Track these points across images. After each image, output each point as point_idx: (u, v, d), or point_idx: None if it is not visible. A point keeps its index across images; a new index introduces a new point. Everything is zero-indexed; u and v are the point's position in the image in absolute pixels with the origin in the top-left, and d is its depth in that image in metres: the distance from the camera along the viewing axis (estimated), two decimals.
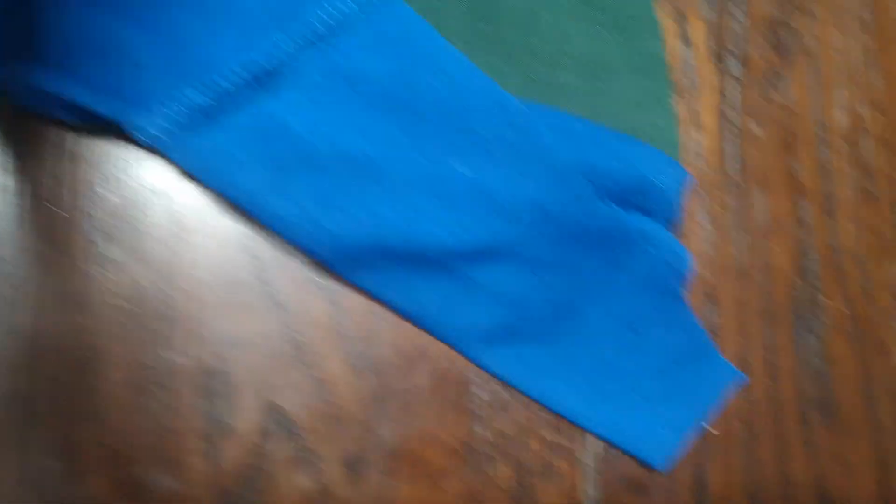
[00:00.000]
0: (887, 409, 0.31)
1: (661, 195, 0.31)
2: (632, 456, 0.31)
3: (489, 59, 0.31)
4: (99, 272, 0.28)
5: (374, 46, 0.27)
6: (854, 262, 0.33)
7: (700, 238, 0.32)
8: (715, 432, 0.31)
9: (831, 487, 0.31)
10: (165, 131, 0.26)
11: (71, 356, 0.28)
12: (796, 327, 0.32)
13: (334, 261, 0.29)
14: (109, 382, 0.29)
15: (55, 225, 0.28)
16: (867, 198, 0.34)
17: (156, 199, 0.30)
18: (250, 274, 0.30)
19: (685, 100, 0.33)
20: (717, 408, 0.31)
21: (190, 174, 0.29)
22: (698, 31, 0.33)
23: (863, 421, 0.31)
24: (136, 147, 0.29)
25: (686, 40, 0.33)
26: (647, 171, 0.30)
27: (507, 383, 0.31)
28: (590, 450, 0.31)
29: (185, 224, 0.30)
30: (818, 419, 0.31)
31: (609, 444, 0.30)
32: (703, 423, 0.30)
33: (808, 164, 0.34)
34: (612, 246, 0.30)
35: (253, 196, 0.28)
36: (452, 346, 0.31)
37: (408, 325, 0.31)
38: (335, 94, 0.28)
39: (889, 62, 0.35)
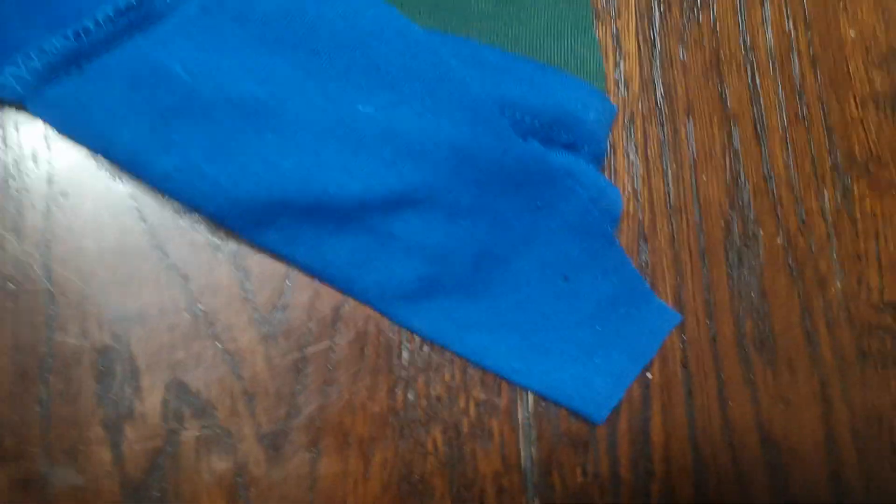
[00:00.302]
0: (827, 343, 0.31)
1: (586, 129, 0.29)
2: (569, 410, 0.29)
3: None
4: None
5: None
6: (788, 191, 0.32)
7: (628, 173, 0.31)
8: (650, 376, 0.30)
9: (775, 427, 0.30)
10: (24, 83, 0.24)
11: None
12: (731, 262, 0.31)
13: (229, 218, 0.27)
14: None
15: None
16: (798, 121, 0.33)
17: (32, 165, 0.27)
18: (141, 240, 0.28)
19: (605, 24, 0.32)
20: (655, 353, 0.30)
21: (62, 132, 0.26)
22: None
23: (803, 356, 0.31)
24: (7, 108, 0.26)
25: None
26: (570, 104, 0.29)
27: (433, 342, 0.29)
28: (524, 407, 0.30)
29: (64, 189, 0.27)
30: (757, 358, 0.31)
31: (545, 399, 0.29)
32: (642, 370, 0.30)
33: (737, 89, 0.33)
34: (536, 187, 0.28)
35: (133, 151, 0.26)
36: (371, 305, 0.29)
37: (323, 287, 0.29)
38: (220, 31, 0.25)
39: None
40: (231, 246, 0.29)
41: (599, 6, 0.31)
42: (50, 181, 0.27)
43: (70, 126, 0.26)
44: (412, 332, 0.29)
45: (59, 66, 0.25)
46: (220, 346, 0.28)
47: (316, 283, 0.29)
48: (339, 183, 0.27)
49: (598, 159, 0.30)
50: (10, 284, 0.27)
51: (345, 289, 0.29)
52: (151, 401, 0.28)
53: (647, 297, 0.30)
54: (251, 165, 0.26)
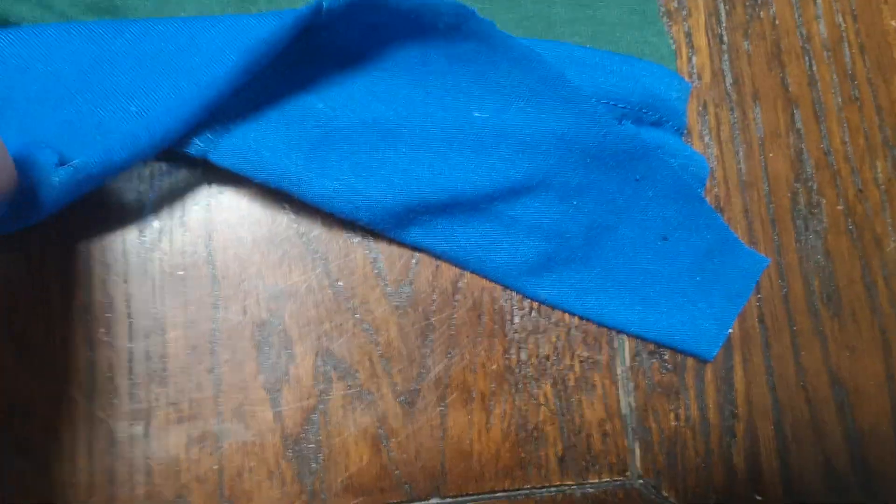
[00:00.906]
0: (885, 295, 0.36)
1: (669, 106, 0.34)
2: (682, 351, 0.34)
3: (482, 5, 0.34)
4: (145, 241, 0.32)
5: (368, 17, 0.30)
6: (845, 163, 0.37)
7: (704, 154, 0.36)
8: (730, 331, 0.35)
9: (842, 371, 0.35)
10: (207, 140, 0.29)
11: (140, 324, 0.31)
12: (798, 228, 0.36)
13: (379, 224, 0.32)
14: (173, 345, 0.32)
15: None
16: (852, 102, 0.38)
17: (194, 170, 0.32)
18: (289, 229, 0.33)
19: (677, 23, 0.37)
20: (751, 293, 0.35)
21: (236, 171, 0.31)
22: None
23: (865, 308, 0.36)
24: None
25: None
26: (654, 87, 0.33)
27: (552, 306, 0.34)
28: (622, 362, 0.35)
29: (221, 188, 0.33)
30: (825, 311, 0.36)
31: (648, 344, 0.34)
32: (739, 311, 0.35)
33: (797, 75, 0.38)
34: (633, 162, 0.32)
35: (296, 180, 0.30)
36: (497, 280, 0.33)
37: (443, 264, 0.33)
38: (349, 68, 0.30)
39: None
40: (364, 232, 0.33)
41: (672, 7, 0.36)
42: (209, 183, 0.33)
43: (243, 167, 0.30)
44: (538, 301, 0.34)
45: (232, 123, 0.29)
46: (358, 317, 0.33)
47: (437, 260, 0.33)
48: (466, 180, 0.31)
49: (681, 131, 0.34)
50: (180, 271, 0.32)
51: (477, 269, 0.33)
52: (304, 366, 0.32)
53: (738, 246, 0.35)
54: (392, 177, 0.31)
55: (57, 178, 0.26)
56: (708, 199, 0.36)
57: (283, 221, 0.32)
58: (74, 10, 0.30)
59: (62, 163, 0.27)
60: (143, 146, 0.27)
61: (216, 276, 0.32)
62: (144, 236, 0.32)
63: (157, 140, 0.27)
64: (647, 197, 0.33)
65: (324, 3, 0.27)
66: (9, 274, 0.30)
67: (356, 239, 0.33)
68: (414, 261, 0.33)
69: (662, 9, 0.35)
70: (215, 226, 0.32)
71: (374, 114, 0.31)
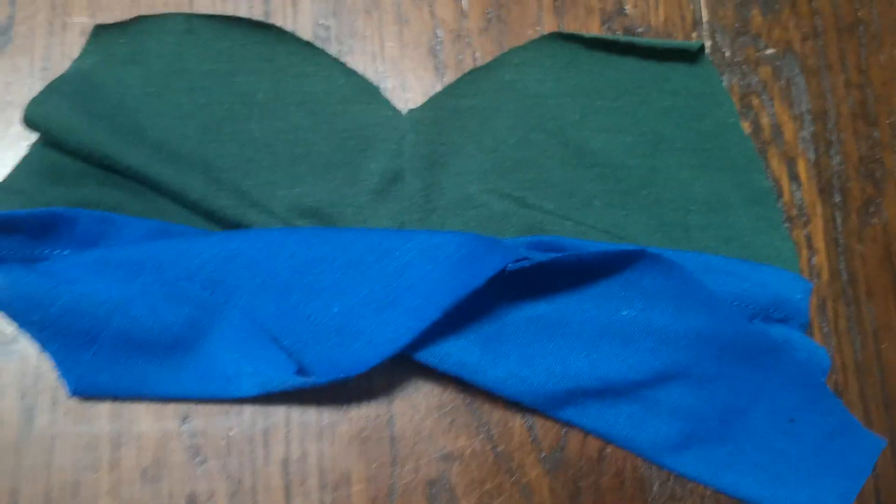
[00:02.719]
0: None
1: (793, 306, 0.40)
2: None
3: (626, 213, 0.42)
4: (339, 408, 0.39)
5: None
6: None
7: (824, 343, 0.42)
8: None
9: None
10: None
11: (329, 478, 0.39)
12: None
13: (539, 405, 0.38)
14: (356, 497, 0.39)
15: None
16: None
17: None
18: (458, 399, 0.40)
19: (798, 228, 0.44)
20: (870, 472, 0.39)
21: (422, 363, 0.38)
22: (804, 171, 0.45)
23: None
24: None
25: (795, 179, 0.45)
26: (780, 290, 0.40)
27: (690, 479, 0.39)
28: None
29: (407, 366, 0.40)
30: None
31: None
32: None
33: None
34: (763, 354, 0.38)
35: (473, 370, 0.38)
36: (641, 455, 0.39)
37: (590, 435, 0.40)
38: (523, 277, 0.38)
39: None
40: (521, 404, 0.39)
41: (793, 214, 0.43)
42: (394, 364, 0.39)
43: (428, 359, 0.38)
44: (678, 475, 0.39)
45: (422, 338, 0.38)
46: (515, 479, 0.39)
47: (586, 432, 0.40)
48: (616, 369, 0.38)
49: (805, 326, 0.40)
50: (364, 433, 0.40)
51: (624, 445, 0.39)
52: None
53: (857, 428, 0.39)
54: (553, 366, 0.38)
55: (290, 382, 0.35)
56: (829, 384, 0.41)
57: (452, 392, 0.39)
58: (291, 215, 0.39)
59: (300, 372, 0.35)
60: (359, 353, 0.35)
61: (394, 437, 0.39)
62: (335, 404, 0.39)
63: (367, 347, 0.36)
64: (775, 384, 0.38)
65: (509, 265, 0.35)
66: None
67: (515, 409, 0.40)
68: (564, 431, 0.40)
69: (785, 216, 0.43)
70: (395, 394, 0.39)
71: (538, 312, 0.38)
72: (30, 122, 0.38)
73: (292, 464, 0.38)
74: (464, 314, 0.37)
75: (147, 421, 0.39)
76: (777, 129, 0.44)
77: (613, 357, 0.38)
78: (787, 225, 0.42)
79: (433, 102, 0.40)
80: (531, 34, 0.42)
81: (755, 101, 0.43)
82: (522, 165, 0.42)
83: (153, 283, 0.37)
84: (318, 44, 0.41)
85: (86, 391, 0.38)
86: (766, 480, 0.39)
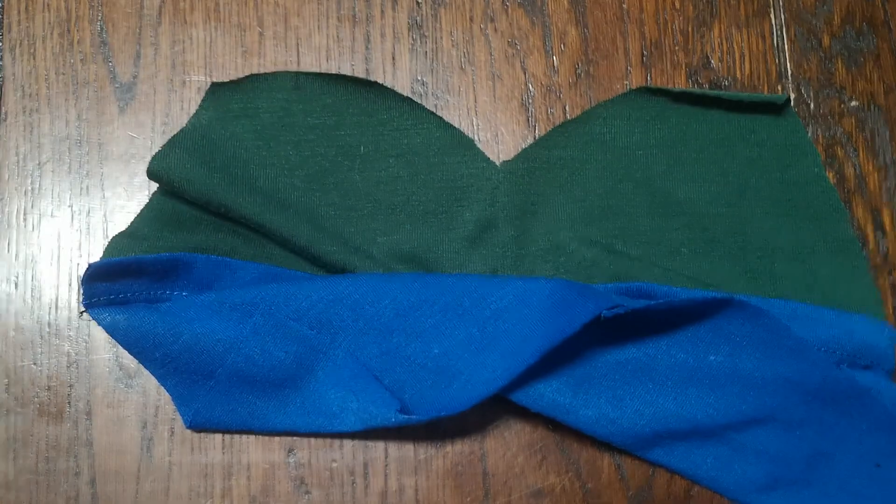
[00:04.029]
0: None
1: (879, 353, 0.41)
2: None
3: (712, 261, 0.44)
4: (434, 443, 0.43)
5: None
6: None
7: None
8: None
9: None
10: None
11: None
12: None
13: (628, 445, 0.41)
14: None
15: None
16: None
17: None
18: (550, 440, 0.43)
19: (883, 276, 0.45)
20: None
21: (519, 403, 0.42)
22: (889, 221, 0.47)
23: None
24: None
25: (880, 228, 0.47)
26: (865, 336, 0.41)
27: None
28: None
29: (500, 405, 0.43)
30: None
31: None
32: None
33: None
34: (849, 400, 0.39)
35: (566, 410, 0.41)
36: (727, 496, 0.41)
37: (677, 475, 0.43)
38: (613, 322, 0.40)
39: None
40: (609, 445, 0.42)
41: (878, 262, 0.46)
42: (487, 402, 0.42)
43: (524, 400, 0.42)
44: None
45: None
46: None
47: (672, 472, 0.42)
48: (704, 412, 0.40)
49: (890, 372, 0.41)
50: (458, 468, 0.43)
51: (711, 486, 0.41)
52: None
53: None
54: (641, 408, 0.40)
55: (392, 419, 0.38)
56: None
57: (543, 431, 0.42)
58: (390, 260, 0.43)
59: (402, 410, 0.38)
60: (457, 393, 0.39)
61: (487, 472, 0.42)
62: (431, 439, 0.43)
63: (465, 387, 0.39)
64: (861, 430, 0.40)
65: (603, 312, 0.38)
66: None
67: (604, 448, 0.42)
68: (652, 471, 0.42)
69: (870, 264, 0.45)
70: (488, 431, 0.43)
71: (628, 355, 0.41)
72: (153, 174, 0.43)
73: (390, 496, 0.42)
74: (556, 356, 0.39)
75: (256, 452, 0.42)
76: (861, 179, 0.46)
77: (701, 400, 0.40)
78: (872, 273, 0.44)
79: (525, 154, 0.43)
80: (619, 88, 0.45)
81: (840, 152, 0.45)
82: (610, 214, 0.44)
83: (264, 324, 0.41)
84: (416, 99, 0.43)
85: (201, 424, 0.42)
86: None
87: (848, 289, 0.43)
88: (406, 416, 0.38)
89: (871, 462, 0.41)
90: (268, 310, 0.41)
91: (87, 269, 0.39)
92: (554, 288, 0.39)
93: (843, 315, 0.42)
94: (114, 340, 0.42)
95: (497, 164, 0.42)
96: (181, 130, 0.44)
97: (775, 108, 0.45)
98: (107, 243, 0.42)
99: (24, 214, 0.45)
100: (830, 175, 0.45)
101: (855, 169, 0.45)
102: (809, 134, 0.45)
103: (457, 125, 0.44)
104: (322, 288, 0.41)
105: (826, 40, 0.47)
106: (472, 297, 0.40)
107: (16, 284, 0.44)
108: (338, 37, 0.46)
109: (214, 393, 0.41)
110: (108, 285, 0.41)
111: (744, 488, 0.41)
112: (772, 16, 0.47)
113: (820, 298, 0.43)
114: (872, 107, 0.46)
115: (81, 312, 0.43)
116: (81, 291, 0.40)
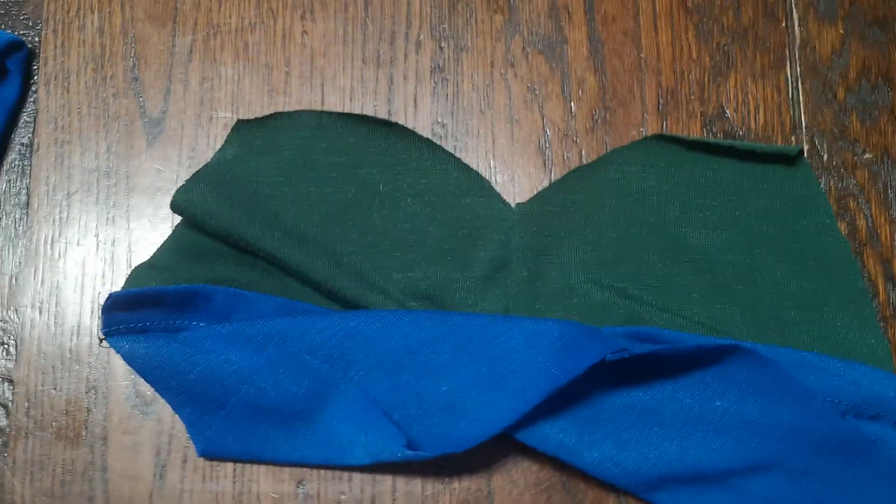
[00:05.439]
0: None
1: (887, 404, 0.42)
2: None
3: (723, 307, 0.45)
4: (440, 480, 0.45)
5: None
6: None
7: None
8: None
9: None
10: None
11: None
12: None
13: (630, 488, 0.42)
14: None
15: None
16: None
17: None
18: (553, 477, 0.45)
19: (893, 327, 0.46)
20: None
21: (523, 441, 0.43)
22: None
23: None
24: None
25: (891, 279, 0.47)
26: (872, 387, 0.42)
27: None
28: None
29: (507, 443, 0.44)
30: None
31: None
32: None
33: None
34: (854, 451, 0.40)
35: (569, 450, 0.42)
36: None
37: None
38: (620, 366, 0.41)
39: None
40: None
41: (888, 314, 0.47)
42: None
43: (527, 438, 0.43)
44: None
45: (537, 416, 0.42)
46: None
47: None
48: (708, 458, 0.41)
49: None
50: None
51: None
52: None
53: None
54: (646, 452, 0.41)
55: (400, 454, 0.39)
56: None
57: (549, 470, 0.44)
58: (405, 297, 0.44)
59: (410, 446, 0.39)
60: (464, 430, 0.40)
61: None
62: (439, 475, 0.44)
63: (472, 425, 0.40)
64: (866, 480, 0.41)
65: (608, 356, 0.39)
66: None
67: (609, 489, 0.44)
68: None
69: (880, 315, 0.46)
70: (495, 469, 0.44)
71: (634, 398, 0.42)
72: (176, 206, 0.45)
73: None
74: (563, 398, 0.41)
75: (266, 482, 0.44)
76: (873, 231, 0.47)
77: (706, 446, 0.41)
78: (882, 325, 0.44)
79: (540, 197, 0.44)
80: (635, 135, 0.46)
81: (852, 204, 0.46)
82: (623, 258, 0.45)
83: (278, 356, 0.42)
84: (436, 140, 0.45)
85: (213, 453, 0.44)
86: None
87: (857, 340, 0.44)
88: (413, 452, 0.39)
89: None
90: (282, 342, 0.42)
91: (108, 298, 0.40)
92: (563, 331, 0.40)
93: (851, 365, 0.43)
94: (131, 368, 0.42)
95: (513, 206, 0.43)
96: (205, 165, 0.46)
97: (788, 159, 0.46)
98: (129, 273, 0.44)
99: (52, 243, 0.47)
100: (842, 226, 0.46)
101: (867, 221, 0.46)
102: (822, 185, 0.47)
103: (475, 167, 0.45)
104: (336, 322, 0.42)
105: (841, 93, 0.48)
106: (482, 337, 0.41)
107: (40, 311, 0.45)
108: (362, 78, 0.48)
109: (227, 422, 0.42)
110: (127, 314, 0.43)
111: None
112: (787, 68, 0.49)
113: (829, 348, 0.44)
114: (886, 160, 0.47)
115: (101, 340, 0.44)
116: (101, 320, 0.41)
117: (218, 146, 0.46)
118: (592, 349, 0.38)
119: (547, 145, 0.46)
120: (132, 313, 0.43)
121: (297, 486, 0.43)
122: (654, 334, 0.42)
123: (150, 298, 0.43)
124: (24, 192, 0.45)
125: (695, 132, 0.48)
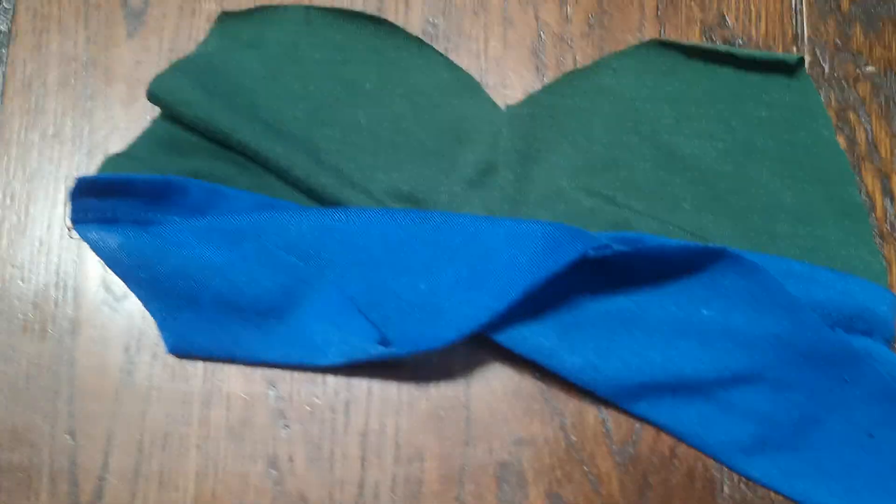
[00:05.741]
0: None
1: (878, 319, 0.40)
2: None
3: (714, 218, 0.43)
4: (417, 384, 0.43)
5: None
6: None
7: None
8: None
9: None
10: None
11: (405, 452, 0.42)
12: None
13: (613, 396, 0.40)
14: (429, 473, 0.42)
15: None
16: None
17: None
18: (534, 390, 0.43)
19: (889, 243, 0.44)
20: None
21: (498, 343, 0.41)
22: None
23: None
24: None
25: (889, 195, 0.45)
26: (865, 301, 0.40)
27: (760, 484, 0.41)
28: None
29: (487, 350, 0.42)
30: None
31: None
32: None
33: None
34: (843, 365, 0.39)
35: (549, 355, 0.40)
36: (712, 455, 0.41)
37: (663, 432, 0.42)
38: (604, 270, 0.40)
39: None
40: (597, 396, 0.42)
41: (885, 230, 0.44)
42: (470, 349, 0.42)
43: (504, 340, 0.41)
44: (748, 479, 0.41)
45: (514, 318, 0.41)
46: (585, 468, 0.41)
47: (659, 429, 0.42)
48: (692, 367, 0.39)
49: (889, 341, 0.41)
50: (441, 411, 0.42)
51: (695, 444, 0.41)
52: None
53: None
54: (629, 359, 0.40)
55: (373, 351, 0.38)
56: None
57: (529, 379, 0.42)
58: (387, 197, 0.43)
59: (383, 343, 0.38)
60: (441, 329, 0.38)
61: (470, 419, 0.42)
62: (416, 381, 0.42)
63: (449, 324, 0.39)
64: (854, 396, 0.39)
65: (589, 251, 0.37)
66: None
67: (590, 401, 0.42)
68: (638, 426, 0.42)
69: (877, 231, 0.44)
70: (474, 376, 0.43)
71: (618, 304, 0.40)
72: (152, 95, 0.43)
73: (370, 435, 0.42)
74: (544, 301, 0.39)
75: (237, 383, 0.43)
76: (873, 145, 0.45)
77: (689, 355, 0.40)
78: (878, 241, 0.43)
79: (531, 100, 0.43)
80: (631, 40, 0.44)
81: (852, 117, 0.45)
82: (614, 165, 0.44)
83: (253, 252, 0.41)
84: (427, 40, 0.44)
85: (183, 350, 0.42)
86: (840, 493, 0.40)
87: (851, 254, 0.43)
88: (386, 349, 0.38)
89: (864, 431, 0.40)
90: (258, 238, 0.40)
91: (76, 182, 0.38)
92: (546, 231, 0.39)
93: (842, 277, 0.41)
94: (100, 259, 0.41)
95: (502, 108, 0.42)
96: (185, 57, 0.44)
97: (788, 68, 0.45)
98: (102, 162, 0.43)
99: (26, 131, 0.45)
100: (841, 140, 0.45)
101: (867, 135, 0.45)
102: (822, 97, 0.45)
103: (466, 68, 0.44)
104: (314, 219, 0.41)
105: (845, 4, 0.47)
106: (462, 236, 0.40)
107: (11, 199, 0.44)
108: None
109: (198, 318, 0.41)
110: (97, 202, 0.41)
111: (728, 448, 0.40)
112: None
113: (821, 261, 0.42)
114: (889, 73, 0.46)
115: (69, 229, 0.43)
116: (70, 206, 0.39)
117: (201, 39, 0.45)
118: (574, 246, 0.37)
119: (541, 49, 0.45)
120: (102, 200, 0.41)
121: (269, 388, 0.42)
122: (641, 239, 0.40)
123: (121, 186, 0.41)
124: None
125: (693, 39, 0.46)
